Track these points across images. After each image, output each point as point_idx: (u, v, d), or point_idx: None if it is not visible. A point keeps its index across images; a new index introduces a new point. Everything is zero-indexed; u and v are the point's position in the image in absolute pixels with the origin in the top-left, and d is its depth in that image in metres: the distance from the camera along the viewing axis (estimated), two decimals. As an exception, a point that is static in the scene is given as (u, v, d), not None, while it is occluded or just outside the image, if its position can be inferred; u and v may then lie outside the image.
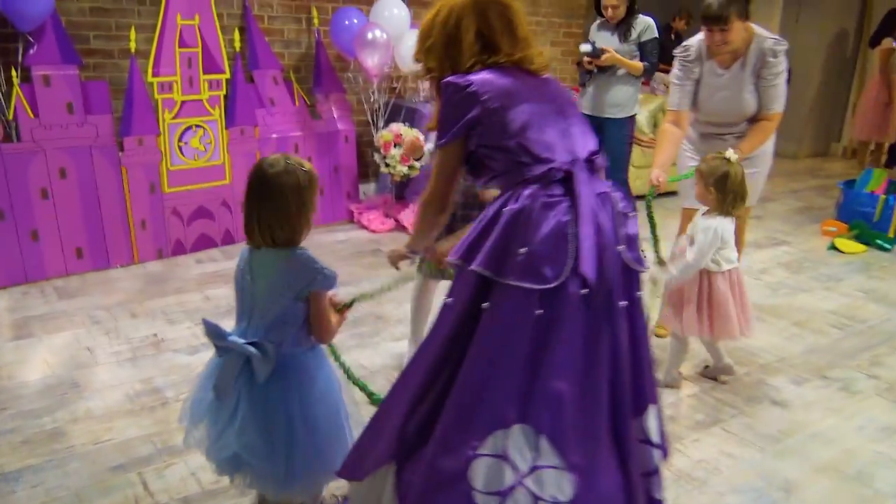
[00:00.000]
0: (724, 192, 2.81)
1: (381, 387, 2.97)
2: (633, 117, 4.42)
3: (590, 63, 4.23)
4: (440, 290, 2.92)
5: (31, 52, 3.80)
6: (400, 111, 5.31)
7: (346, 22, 4.76)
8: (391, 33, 4.65)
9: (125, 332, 3.36)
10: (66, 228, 3.98)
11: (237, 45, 4.63)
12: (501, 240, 1.61)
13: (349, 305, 2.02)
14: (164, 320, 3.50)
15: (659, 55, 4.32)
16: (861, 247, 5.15)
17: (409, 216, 5.06)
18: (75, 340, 3.27)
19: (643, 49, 4.23)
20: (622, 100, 4.32)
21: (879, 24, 7.65)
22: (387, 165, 4.99)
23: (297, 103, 4.93)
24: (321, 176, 5.11)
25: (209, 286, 3.95)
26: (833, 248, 5.14)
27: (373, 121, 5.29)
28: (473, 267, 1.62)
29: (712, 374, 3.16)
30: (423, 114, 5.21)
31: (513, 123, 1.67)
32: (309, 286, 1.80)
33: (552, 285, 1.56)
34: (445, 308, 1.70)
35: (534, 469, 1.57)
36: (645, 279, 1.72)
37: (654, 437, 1.79)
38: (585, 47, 4.20)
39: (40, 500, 2.23)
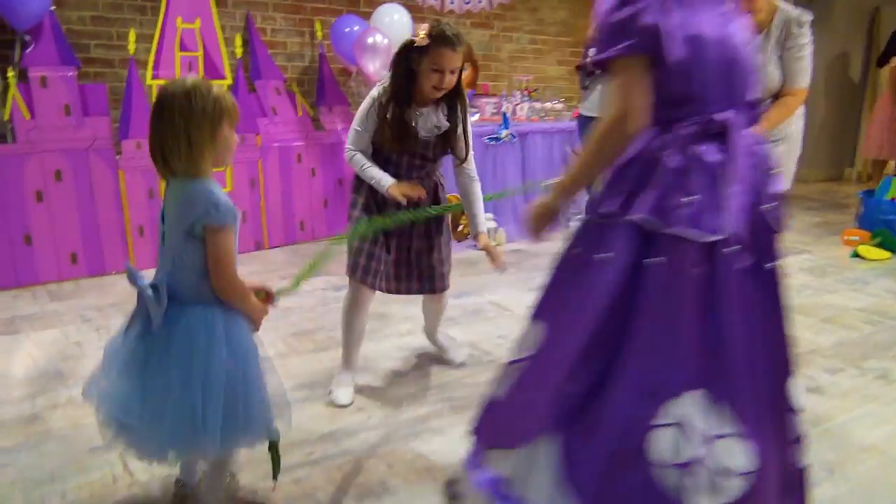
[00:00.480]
0: None
1: (386, 376, 2.81)
2: None
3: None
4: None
5: (29, 52, 3.75)
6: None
7: (347, 29, 4.72)
8: (392, 38, 4.59)
9: (117, 329, 3.19)
10: (60, 233, 3.86)
11: (238, 51, 4.59)
12: (662, 187, 1.45)
13: (271, 295, 1.83)
14: (158, 319, 3.34)
15: None
16: (886, 253, 4.96)
17: (415, 228, 4.92)
18: (63, 336, 3.11)
19: None
20: None
21: (887, 44, 7.61)
22: (392, 175, 4.88)
23: (299, 113, 4.85)
24: (325, 188, 5.03)
25: (207, 290, 3.80)
26: (856, 255, 4.95)
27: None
28: (635, 215, 1.45)
29: None
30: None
31: (683, 49, 1.45)
32: (202, 220, 1.60)
33: (714, 238, 1.42)
34: (599, 264, 1.49)
35: (713, 438, 1.43)
36: None
37: (797, 404, 1.64)
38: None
39: (10, 478, 2.05)
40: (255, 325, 1.77)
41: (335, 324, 3.32)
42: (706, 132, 1.46)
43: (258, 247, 4.67)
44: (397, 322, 3.41)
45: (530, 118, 5.43)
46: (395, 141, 2.40)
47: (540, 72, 6.52)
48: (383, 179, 2.41)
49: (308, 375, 2.78)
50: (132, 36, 4.09)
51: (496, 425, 1.70)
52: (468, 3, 5.91)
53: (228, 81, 4.38)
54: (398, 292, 2.67)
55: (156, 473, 2.08)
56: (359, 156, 2.44)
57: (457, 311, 3.57)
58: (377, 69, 4.58)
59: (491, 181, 5.00)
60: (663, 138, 1.49)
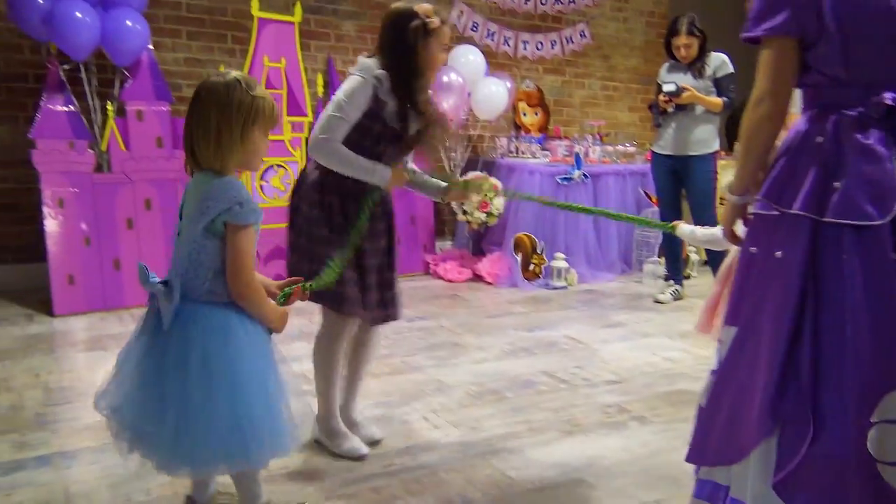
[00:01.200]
0: None
1: (461, 399, 2.78)
2: (716, 153, 4.30)
3: (668, 102, 4.14)
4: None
5: (127, 87, 3.98)
6: (476, 165, 5.29)
7: (426, 70, 4.84)
8: (467, 78, 4.69)
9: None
10: (148, 259, 3.99)
11: (320, 91, 4.76)
12: (816, 176, 1.41)
13: (287, 295, 1.70)
14: (237, 340, 3.40)
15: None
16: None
17: (487, 267, 4.92)
18: (147, 353, 3.20)
19: (719, 85, 4.15)
20: (705, 136, 4.22)
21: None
22: (464, 213, 4.92)
23: (375, 152, 4.97)
24: (399, 226, 5.07)
25: (283, 317, 3.87)
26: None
27: (450, 170, 5.27)
28: (793, 209, 1.42)
29: None
30: (501, 166, 5.18)
31: (843, 24, 1.39)
32: (223, 217, 1.52)
33: (873, 224, 1.37)
34: (777, 263, 1.45)
35: None
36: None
37: None
38: (669, 87, 4.13)
39: (95, 475, 2.09)
40: (277, 330, 1.67)
41: (408, 350, 3.34)
42: (871, 116, 1.40)
43: (332, 280, 4.73)
44: (471, 350, 3.38)
45: (602, 160, 5.43)
46: (386, 139, 2.13)
47: (611, 118, 6.54)
48: (379, 169, 2.08)
49: (384, 395, 2.77)
50: (221, 70, 4.30)
51: (710, 443, 1.60)
52: (541, 49, 6.02)
53: (309, 119, 4.53)
54: (376, 323, 2.28)
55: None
56: (339, 145, 2.04)
57: (531, 343, 3.53)
58: (451, 106, 4.68)
59: (563, 220, 4.98)
60: (820, 124, 1.44)
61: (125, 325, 3.68)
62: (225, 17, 4.69)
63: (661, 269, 4.98)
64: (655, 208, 5.24)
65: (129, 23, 3.77)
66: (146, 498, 1.98)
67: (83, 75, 3.95)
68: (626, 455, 2.32)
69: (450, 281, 4.91)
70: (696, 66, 4.18)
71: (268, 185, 4.40)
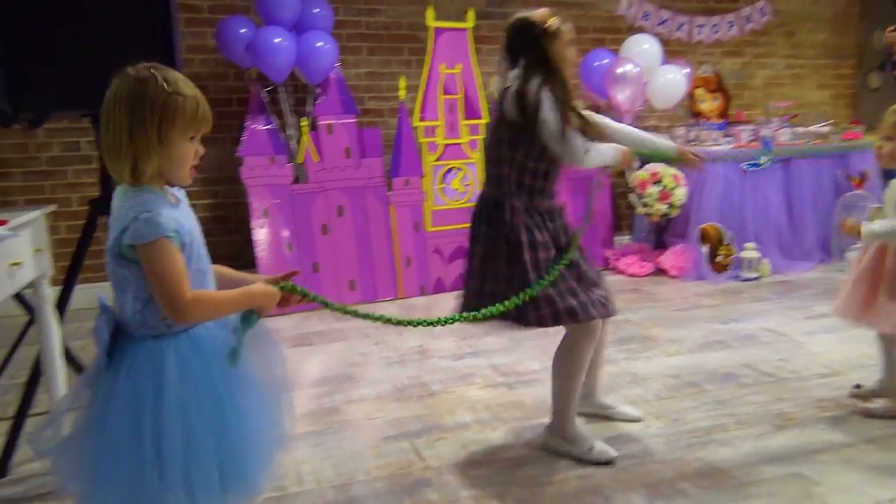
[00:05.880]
0: None
1: (658, 392, 2.71)
2: None
3: None
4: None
5: (318, 103, 4.28)
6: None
7: (597, 63, 4.78)
8: (644, 67, 4.57)
9: (393, 344, 3.44)
10: (341, 262, 4.28)
11: (495, 92, 4.84)
12: None
13: (291, 290, 1.50)
14: (430, 336, 3.52)
15: None
16: None
17: (670, 260, 4.76)
18: (349, 347, 3.41)
19: None
20: None
21: None
22: (644, 206, 4.79)
23: (550, 150, 4.98)
24: (576, 220, 5.03)
25: (469, 314, 3.97)
26: None
27: (627, 164, 5.16)
28: None
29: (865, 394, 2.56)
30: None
31: None
32: (125, 239, 1.28)
33: None
34: None
35: None
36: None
37: None
38: None
39: (320, 456, 2.27)
40: (262, 312, 1.44)
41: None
42: None
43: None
44: (663, 343, 3.29)
45: (793, 143, 5.07)
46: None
47: (799, 97, 6.09)
48: (611, 149, 2.17)
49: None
50: (403, 83, 4.51)
51: None
52: (717, 32, 5.74)
53: (486, 120, 4.63)
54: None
55: (445, 462, 2.18)
56: (590, 144, 2.12)
57: (727, 335, 3.38)
58: (626, 98, 4.58)
59: (752, 209, 4.71)
60: None
61: (326, 322, 3.93)
62: (401, 31, 4.90)
63: (868, 257, 4.57)
64: (858, 191, 4.83)
65: (320, 44, 4.06)
66: (366, 476, 2.12)
67: (280, 96, 4.29)
68: (851, 451, 2.15)
69: (631, 275, 4.80)
70: None
71: (448, 187, 4.54)
